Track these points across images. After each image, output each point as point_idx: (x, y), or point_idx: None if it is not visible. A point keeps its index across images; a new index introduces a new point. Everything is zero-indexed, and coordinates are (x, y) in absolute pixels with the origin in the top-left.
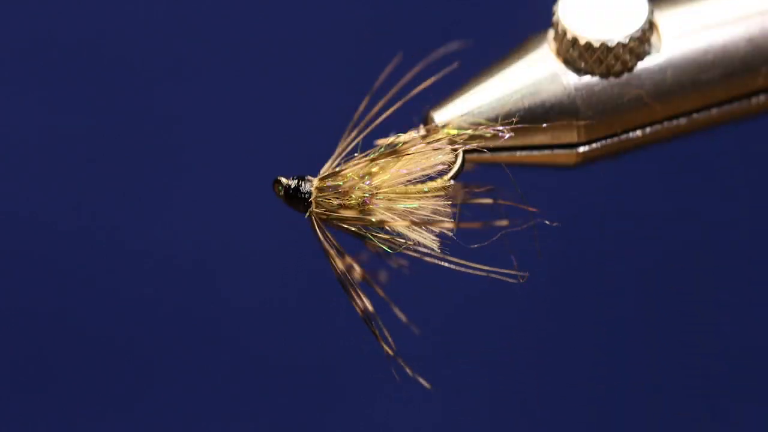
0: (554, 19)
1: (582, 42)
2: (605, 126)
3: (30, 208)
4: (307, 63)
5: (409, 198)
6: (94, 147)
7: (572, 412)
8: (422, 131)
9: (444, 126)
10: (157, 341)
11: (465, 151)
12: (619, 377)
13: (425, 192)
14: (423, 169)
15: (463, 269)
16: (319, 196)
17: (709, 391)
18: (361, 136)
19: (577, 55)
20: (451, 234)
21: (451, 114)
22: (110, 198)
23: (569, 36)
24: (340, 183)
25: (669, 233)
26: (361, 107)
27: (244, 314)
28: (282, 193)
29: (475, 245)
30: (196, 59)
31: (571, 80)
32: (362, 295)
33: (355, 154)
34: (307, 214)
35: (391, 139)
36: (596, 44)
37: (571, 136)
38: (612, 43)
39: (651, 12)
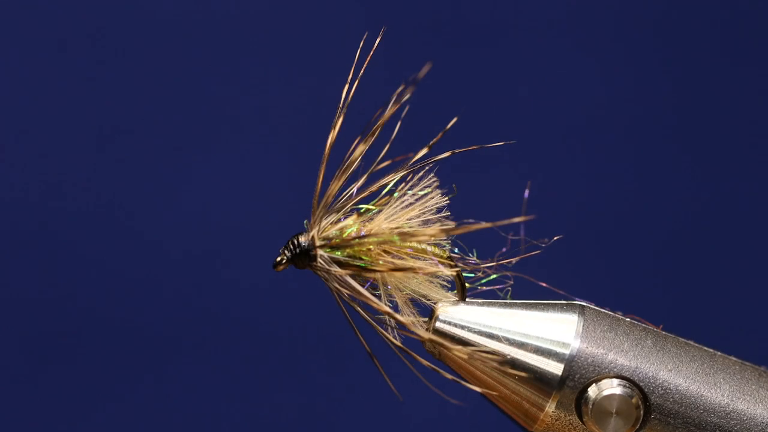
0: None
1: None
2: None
3: (39, 196)
4: (312, 62)
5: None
6: (98, 142)
7: None
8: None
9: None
10: (164, 329)
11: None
12: None
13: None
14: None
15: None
16: (321, 242)
17: None
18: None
19: None
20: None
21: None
22: (118, 188)
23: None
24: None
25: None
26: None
27: (249, 310)
28: (286, 262)
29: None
30: (203, 57)
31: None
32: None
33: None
34: (316, 259)
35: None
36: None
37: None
38: None
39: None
